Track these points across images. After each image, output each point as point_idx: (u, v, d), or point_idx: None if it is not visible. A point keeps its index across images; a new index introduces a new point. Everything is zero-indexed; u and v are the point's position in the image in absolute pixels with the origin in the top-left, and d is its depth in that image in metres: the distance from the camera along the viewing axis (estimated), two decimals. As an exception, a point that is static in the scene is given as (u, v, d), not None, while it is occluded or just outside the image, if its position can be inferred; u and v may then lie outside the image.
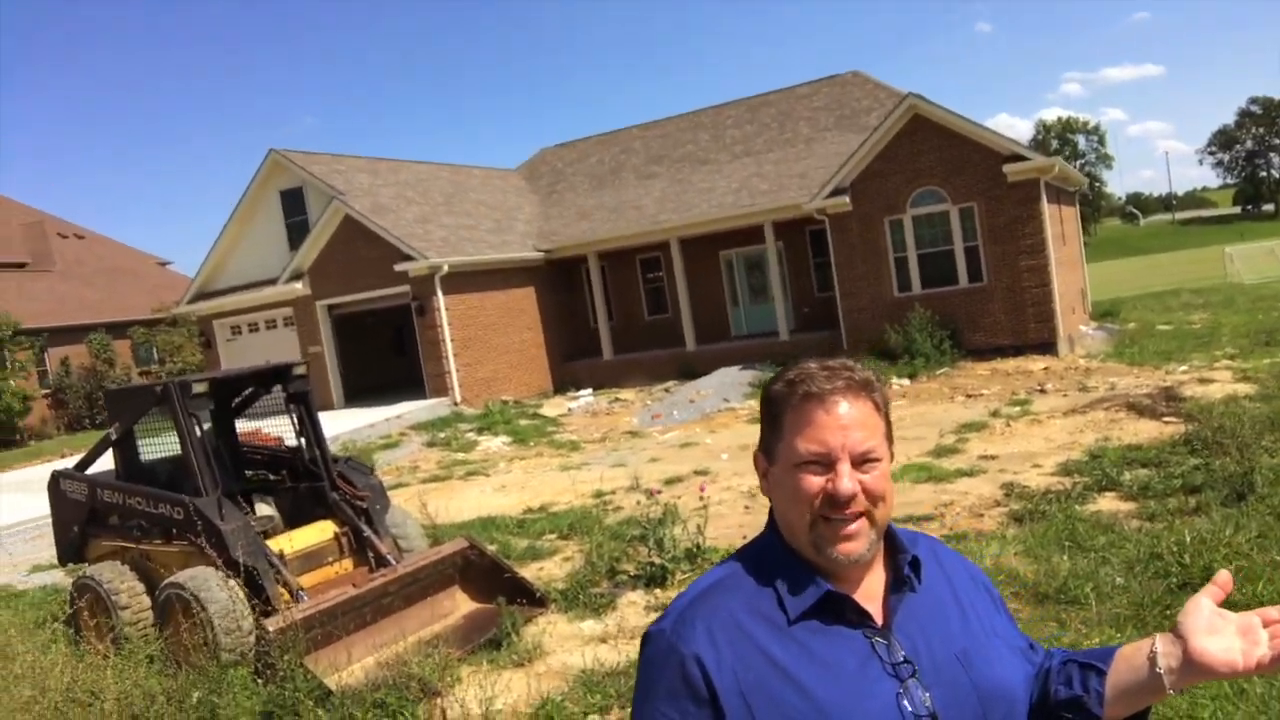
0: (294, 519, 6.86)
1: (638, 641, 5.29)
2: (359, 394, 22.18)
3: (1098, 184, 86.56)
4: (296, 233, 22.10)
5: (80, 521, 6.88)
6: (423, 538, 7.01)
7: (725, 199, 21.67)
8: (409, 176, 24.08)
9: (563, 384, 22.78)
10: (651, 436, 15.19)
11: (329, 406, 21.64)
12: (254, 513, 6.91)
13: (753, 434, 10.84)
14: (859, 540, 1.30)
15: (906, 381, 16.88)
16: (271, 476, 7.35)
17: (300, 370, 6.86)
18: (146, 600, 6.13)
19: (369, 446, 15.98)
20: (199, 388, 6.28)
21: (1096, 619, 4.71)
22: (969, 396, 14.83)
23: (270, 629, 5.22)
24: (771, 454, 1.38)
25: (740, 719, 1.25)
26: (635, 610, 6.06)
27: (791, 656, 1.28)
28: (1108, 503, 7.10)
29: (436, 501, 10.89)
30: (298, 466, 7.04)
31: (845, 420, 1.31)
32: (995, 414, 12.34)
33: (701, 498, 7.38)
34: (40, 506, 7.82)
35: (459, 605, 6.47)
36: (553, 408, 20.10)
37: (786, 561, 1.35)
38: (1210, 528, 5.57)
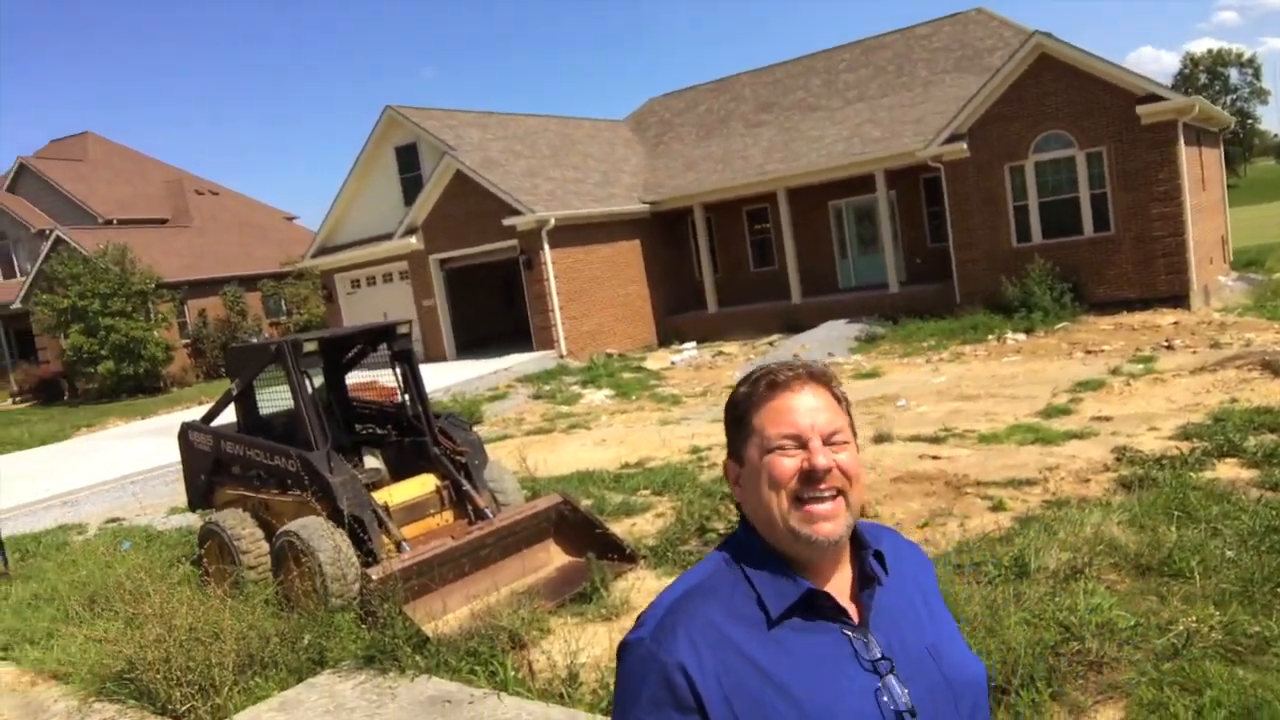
0: (399, 472, 7.18)
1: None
2: (470, 346, 22.84)
3: (1250, 121, 79.92)
4: (411, 188, 22.72)
5: (206, 470, 7.40)
6: (519, 492, 7.23)
7: (835, 147, 21.07)
8: (518, 130, 24.33)
9: (667, 337, 22.85)
10: (753, 391, 15.11)
11: (442, 358, 22.42)
12: (363, 465, 7.27)
13: (857, 390, 10.80)
14: (837, 520, 1.32)
15: (1022, 336, 16.21)
16: (379, 431, 7.69)
17: (403, 329, 7.11)
18: (265, 546, 6.56)
19: (477, 398, 16.48)
20: (309, 346, 6.60)
21: (1200, 594, 4.49)
22: (1088, 353, 14.14)
23: (373, 577, 5.52)
24: (741, 456, 1.39)
25: None
26: (722, 569, 6.12)
27: (772, 658, 1.28)
28: (1227, 470, 6.71)
29: (537, 454, 11.19)
30: (403, 421, 7.34)
31: (811, 403, 1.35)
32: (1115, 372, 11.75)
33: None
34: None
35: (553, 559, 6.67)
36: (656, 361, 20.23)
37: (764, 561, 1.35)
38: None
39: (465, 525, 6.56)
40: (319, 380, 7.61)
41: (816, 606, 1.33)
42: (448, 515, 6.78)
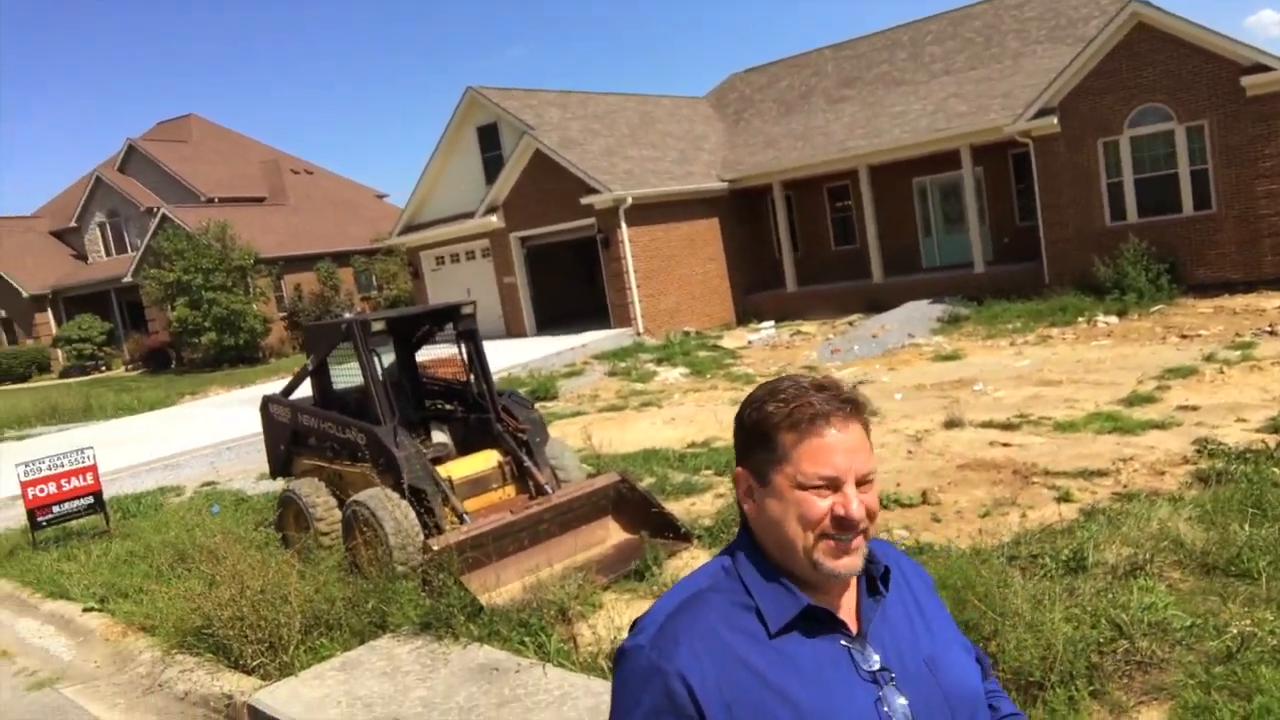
0: (465, 447, 7.40)
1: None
2: (550, 322, 23.16)
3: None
4: (492, 167, 23.09)
5: (285, 441, 7.77)
6: (580, 469, 7.37)
7: (919, 123, 20.52)
8: (598, 109, 24.43)
9: (744, 316, 22.74)
10: (828, 372, 14.96)
11: (522, 334, 22.81)
12: (430, 440, 7.52)
13: (935, 373, 10.60)
14: (857, 556, 1.33)
15: (1114, 319, 15.60)
16: (447, 407, 7.93)
17: (468, 310, 7.31)
18: (338, 514, 6.87)
19: (554, 374, 16.75)
20: (377, 326, 6.86)
21: (1265, 596, 4.32)
22: (1183, 337, 13.53)
23: (433, 547, 5.74)
24: (764, 476, 1.37)
25: None
26: (776, 552, 6.14)
27: (773, 666, 1.29)
28: (1319, 467, 6.37)
29: (608, 432, 11.35)
30: (469, 398, 7.56)
31: (851, 443, 1.33)
32: (1209, 358, 11.23)
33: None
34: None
35: (610, 535, 6.79)
36: (732, 340, 20.18)
37: (764, 575, 1.36)
38: None
39: (525, 500, 6.74)
40: (390, 358, 7.89)
41: (817, 620, 1.34)
42: (509, 490, 6.97)
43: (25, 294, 37.52)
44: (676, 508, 7.12)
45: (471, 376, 7.39)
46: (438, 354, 8.96)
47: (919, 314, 18.65)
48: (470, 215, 23.08)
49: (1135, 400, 9.32)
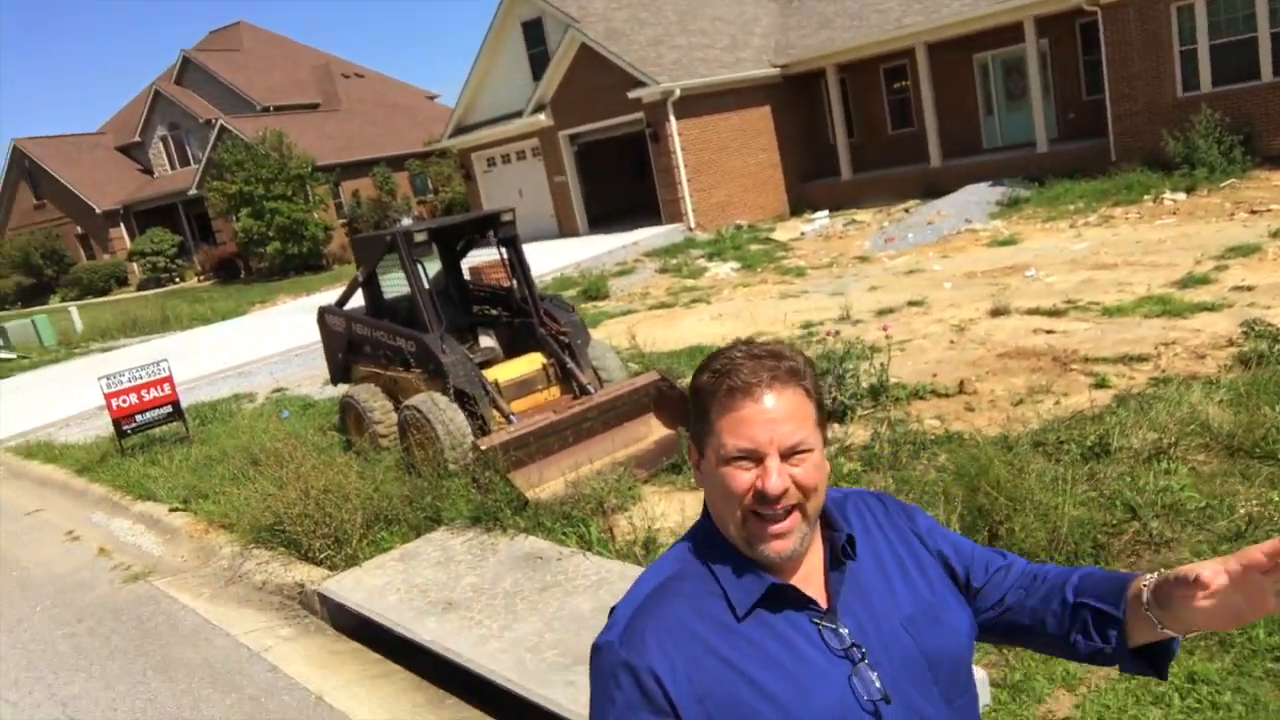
0: (511, 350, 7.68)
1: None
2: (602, 220, 23.17)
3: None
4: (539, 64, 22.75)
5: (342, 349, 8.15)
6: (622, 369, 7.60)
7: (980, -7, 19.47)
8: (644, -4, 23.70)
9: (799, 206, 22.40)
10: (880, 262, 14.83)
11: (574, 233, 22.90)
12: (478, 345, 7.81)
13: (988, 259, 10.58)
14: (790, 538, 1.28)
15: (1181, 196, 15.00)
16: (493, 312, 8.18)
17: (507, 217, 7.46)
18: (394, 417, 7.25)
19: (604, 273, 16.90)
20: (419, 236, 7.07)
21: (1285, 479, 4.38)
22: (1252, 213, 13.00)
23: (482, 447, 6.08)
24: (701, 446, 1.34)
25: None
26: (809, 444, 6.33)
27: (743, 655, 1.26)
28: (1369, 346, 6.25)
29: (655, 329, 11.54)
30: (513, 303, 7.79)
31: (773, 413, 1.26)
32: (1276, 235, 10.83)
33: (886, 337, 7.32)
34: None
35: (652, 432, 7.05)
36: (785, 231, 19.97)
37: (726, 555, 1.32)
38: None
39: (569, 400, 7.02)
40: (436, 267, 8.13)
41: (783, 598, 1.30)
42: (554, 391, 7.25)
43: (98, 210, 38.76)
44: (717, 403, 7.32)
45: (514, 282, 7.60)
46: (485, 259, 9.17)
47: (977, 198, 18.15)
48: (519, 114, 22.92)
49: (1189, 282, 9.11)
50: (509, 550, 5.19)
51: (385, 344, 7.45)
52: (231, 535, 6.39)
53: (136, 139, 40.45)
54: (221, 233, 35.00)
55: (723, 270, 16.40)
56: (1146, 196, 15.32)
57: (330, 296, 19.94)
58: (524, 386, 7.14)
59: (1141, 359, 6.86)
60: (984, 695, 3.32)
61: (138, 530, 7.26)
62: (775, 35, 23.87)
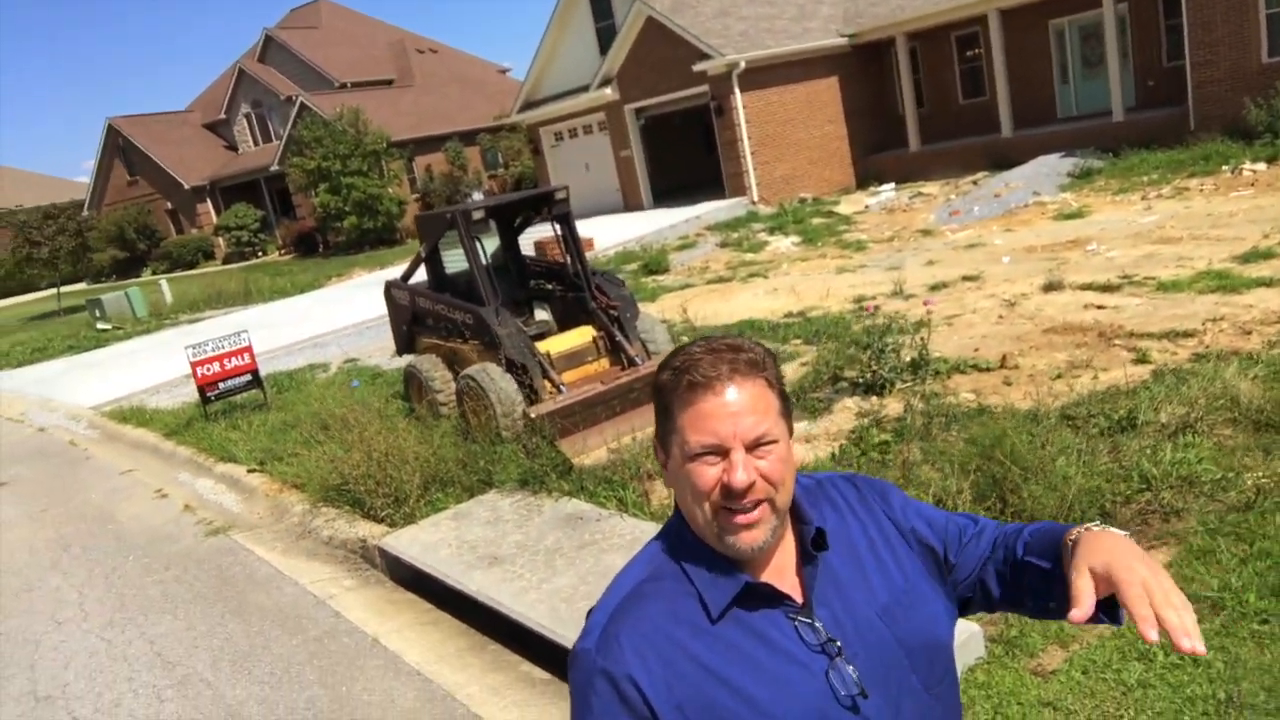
0: (564, 323, 8.01)
1: (836, 444, 5.80)
2: (667, 194, 23.33)
3: None
4: (605, 37, 22.93)
5: (407, 321, 8.59)
6: (669, 341, 7.85)
7: (1055, -43, 18.94)
8: (710, -34, 23.61)
9: (865, 179, 22.20)
10: (943, 235, 14.72)
11: (639, 207, 23.12)
12: (533, 318, 8.16)
13: (1051, 232, 10.64)
14: (760, 529, 1.27)
15: (1262, 166, 14.49)
16: (549, 286, 8.51)
17: (561, 195, 7.75)
18: (454, 386, 7.66)
19: (665, 247, 17.12)
20: (477, 215, 7.42)
21: (1308, 455, 4.43)
22: (1337, 184, 12.54)
23: (532, 415, 6.43)
24: (667, 446, 1.33)
25: None
26: (847, 416, 6.51)
27: (719, 657, 1.26)
28: None
29: (711, 304, 11.76)
30: (566, 278, 8.10)
31: (735, 406, 1.25)
32: (1357, 207, 10.48)
33: (928, 312, 7.42)
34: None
35: (697, 402, 7.31)
36: (849, 205, 19.86)
37: (699, 555, 1.31)
38: None
39: (617, 371, 7.32)
40: (495, 242, 8.49)
41: (757, 596, 1.29)
42: (603, 363, 7.56)
43: (186, 185, 40.45)
44: (762, 376, 7.53)
45: (567, 258, 7.91)
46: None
47: (1047, 169, 17.78)
48: (586, 89, 23.17)
49: (1252, 256, 8.93)
50: (553, 511, 5.54)
51: (445, 317, 7.85)
52: (302, 494, 6.90)
53: (222, 116, 41.99)
54: (301, 207, 36.20)
55: (783, 244, 16.46)
56: (1225, 167, 14.84)
57: (402, 270, 20.65)
58: (575, 358, 7.46)
59: (1187, 334, 6.83)
60: (979, 650, 3.53)
61: (219, 489, 7.86)
62: (844, 4, 23.54)
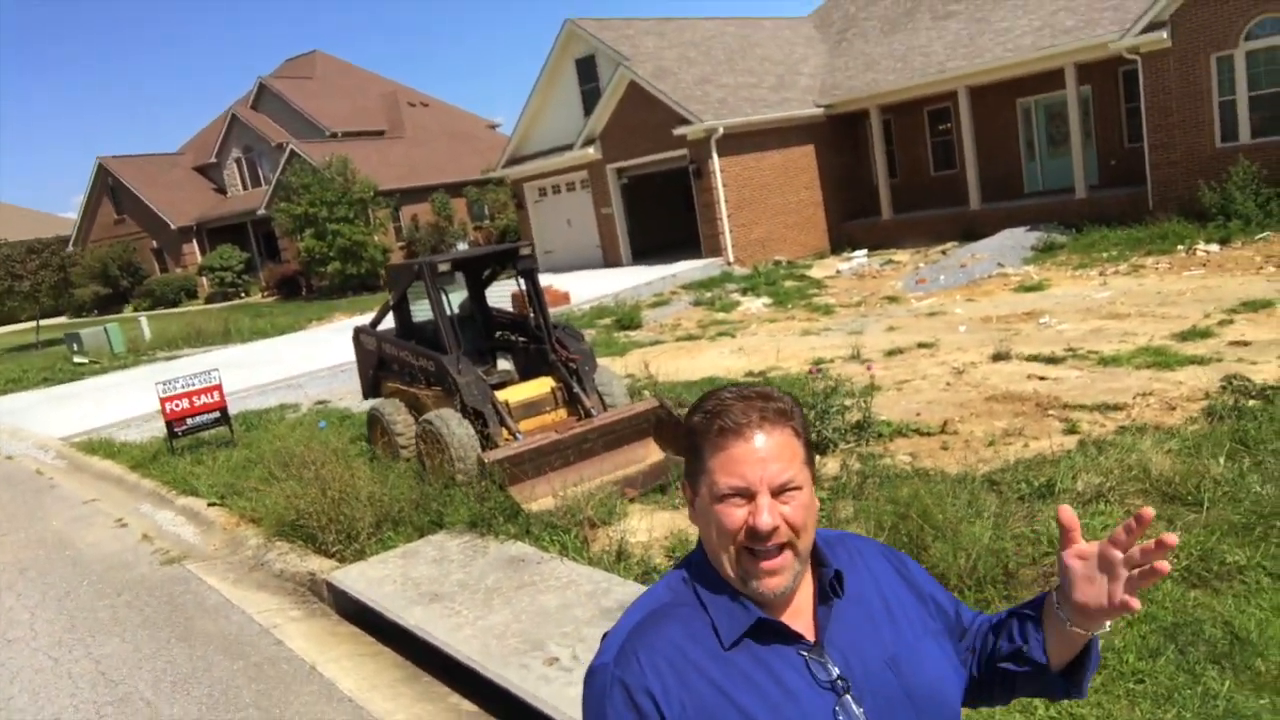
0: (525, 374, 8.27)
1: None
2: (646, 252, 23.82)
3: None
4: (590, 99, 23.62)
5: (373, 366, 8.83)
6: (625, 395, 8.12)
7: (1022, 40, 19.79)
8: (695, 35, 24.48)
9: (839, 244, 22.79)
10: (908, 303, 15.16)
11: (618, 264, 23.57)
12: (495, 367, 8.42)
13: (1009, 304, 11.05)
14: (782, 575, 1.33)
15: (1215, 248, 15.08)
16: (513, 337, 8.79)
17: (526, 251, 8.07)
18: (415, 430, 7.87)
19: (640, 304, 17.48)
20: (443, 267, 7.71)
21: (1203, 521, 4.71)
22: (1281, 268, 13.08)
23: (486, 460, 6.64)
24: (695, 486, 1.39)
25: None
26: (789, 472, 6.76)
27: (732, 680, 1.30)
28: (1337, 404, 6.49)
29: (678, 360, 12.06)
30: (529, 330, 8.38)
31: (763, 453, 1.31)
32: (1295, 291, 10.96)
33: (871, 376, 7.73)
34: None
35: (650, 455, 7.55)
36: (822, 269, 20.37)
37: (718, 587, 1.37)
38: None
39: (573, 422, 7.56)
40: (463, 294, 8.79)
41: (771, 631, 1.34)
42: (561, 413, 7.80)
43: (173, 226, 40.77)
44: (714, 431, 7.79)
45: (530, 311, 8.20)
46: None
47: (1013, 242, 18.38)
48: (570, 147, 23.78)
49: (1190, 335, 9.34)
50: (497, 553, 5.73)
51: (409, 363, 8.10)
52: (258, 529, 7.06)
53: (213, 159, 42.52)
54: (286, 251, 36.53)
55: (754, 305, 16.87)
56: (1180, 247, 15.42)
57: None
58: (533, 407, 7.70)
59: (1118, 408, 7.17)
60: None
61: (178, 521, 7.99)
62: (822, 76, 24.40)
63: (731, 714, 1.28)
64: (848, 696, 1.32)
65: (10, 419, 15.13)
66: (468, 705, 4.32)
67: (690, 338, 14.28)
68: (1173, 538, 1.31)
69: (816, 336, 12.83)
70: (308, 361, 16.28)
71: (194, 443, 10.00)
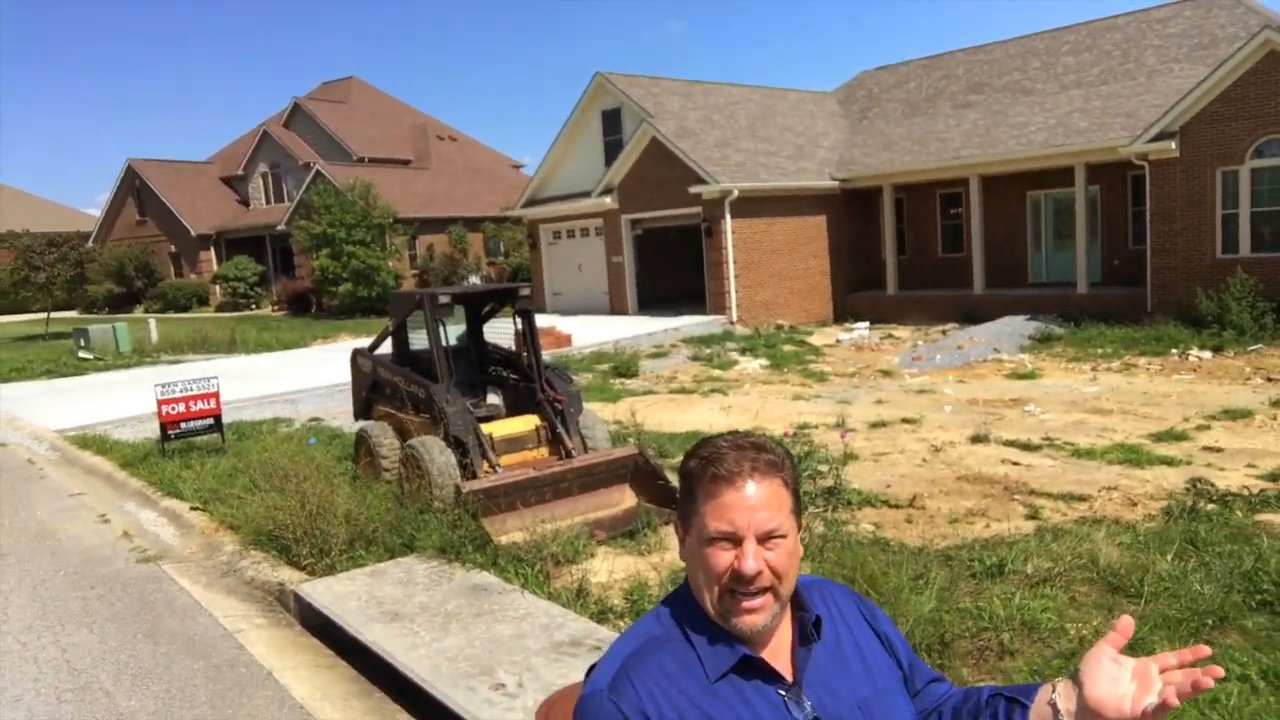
0: (513, 410, 8.48)
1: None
2: (652, 303, 24.17)
3: None
4: (612, 150, 24.20)
5: (367, 389, 9.07)
6: (607, 440, 8.32)
7: (1036, 136, 20.33)
8: (720, 100, 25.12)
9: (842, 315, 23.12)
10: (901, 378, 15.38)
11: (624, 312, 23.91)
12: (485, 400, 8.64)
13: (999, 389, 11.29)
14: (761, 614, 1.41)
15: (1207, 354, 15.32)
16: (504, 373, 9.02)
17: (524, 292, 8.37)
18: (399, 453, 8.07)
19: (639, 353, 17.74)
20: (443, 299, 7.99)
21: (1140, 613, 4.87)
22: (1269, 380, 13.28)
23: (464, 489, 6.84)
24: (686, 527, 1.48)
25: None
26: (756, 530, 6.94)
27: (718, 711, 1.39)
28: (1293, 516, 6.67)
29: (667, 412, 12.27)
30: (521, 368, 8.62)
31: (752, 501, 1.39)
32: (1277, 404, 11.16)
33: (845, 446, 7.93)
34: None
35: (625, 500, 7.73)
36: (822, 337, 20.66)
37: (703, 624, 1.45)
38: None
39: (553, 460, 7.75)
40: (462, 328, 9.05)
41: (753, 668, 1.42)
42: (542, 451, 8.00)
43: (194, 233, 41.41)
44: (691, 484, 7.98)
45: (524, 350, 8.44)
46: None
47: (1012, 329, 18.66)
48: (588, 194, 24.29)
49: (1166, 436, 9.53)
50: (462, 580, 5.90)
51: (401, 388, 8.33)
52: (236, 536, 7.23)
53: (240, 172, 43.32)
54: (301, 268, 37.04)
55: (751, 366, 17.11)
56: (1174, 350, 15.68)
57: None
58: (515, 443, 7.91)
59: (1082, 498, 7.34)
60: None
61: (160, 522, 8.16)
62: (841, 150, 24.98)
63: None
64: None
65: (9, 407, 15.36)
66: (413, 723, 4.46)
67: (683, 391, 14.50)
68: (1218, 670, 1.31)
69: (806, 402, 13.04)
70: (307, 378, 16.51)
71: (185, 447, 10.20)
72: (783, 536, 1.41)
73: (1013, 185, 21.39)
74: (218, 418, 10.22)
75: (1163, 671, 1.32)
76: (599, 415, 8.81)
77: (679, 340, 19.62)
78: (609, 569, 6.13)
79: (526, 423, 8.06)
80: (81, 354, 22.92)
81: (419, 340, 8.69)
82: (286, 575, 6.31)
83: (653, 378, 16.05)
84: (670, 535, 6.91)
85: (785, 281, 22.37)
